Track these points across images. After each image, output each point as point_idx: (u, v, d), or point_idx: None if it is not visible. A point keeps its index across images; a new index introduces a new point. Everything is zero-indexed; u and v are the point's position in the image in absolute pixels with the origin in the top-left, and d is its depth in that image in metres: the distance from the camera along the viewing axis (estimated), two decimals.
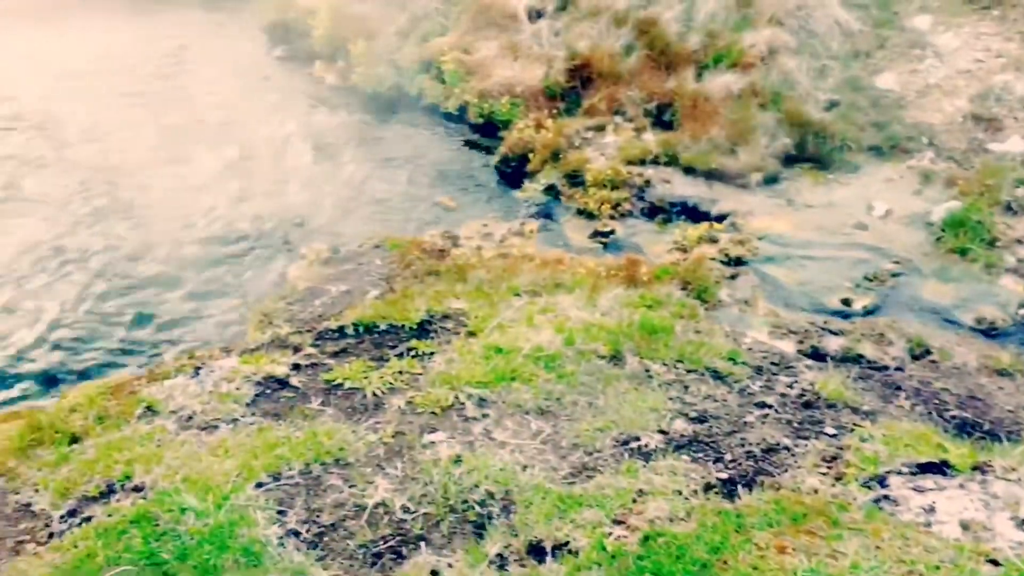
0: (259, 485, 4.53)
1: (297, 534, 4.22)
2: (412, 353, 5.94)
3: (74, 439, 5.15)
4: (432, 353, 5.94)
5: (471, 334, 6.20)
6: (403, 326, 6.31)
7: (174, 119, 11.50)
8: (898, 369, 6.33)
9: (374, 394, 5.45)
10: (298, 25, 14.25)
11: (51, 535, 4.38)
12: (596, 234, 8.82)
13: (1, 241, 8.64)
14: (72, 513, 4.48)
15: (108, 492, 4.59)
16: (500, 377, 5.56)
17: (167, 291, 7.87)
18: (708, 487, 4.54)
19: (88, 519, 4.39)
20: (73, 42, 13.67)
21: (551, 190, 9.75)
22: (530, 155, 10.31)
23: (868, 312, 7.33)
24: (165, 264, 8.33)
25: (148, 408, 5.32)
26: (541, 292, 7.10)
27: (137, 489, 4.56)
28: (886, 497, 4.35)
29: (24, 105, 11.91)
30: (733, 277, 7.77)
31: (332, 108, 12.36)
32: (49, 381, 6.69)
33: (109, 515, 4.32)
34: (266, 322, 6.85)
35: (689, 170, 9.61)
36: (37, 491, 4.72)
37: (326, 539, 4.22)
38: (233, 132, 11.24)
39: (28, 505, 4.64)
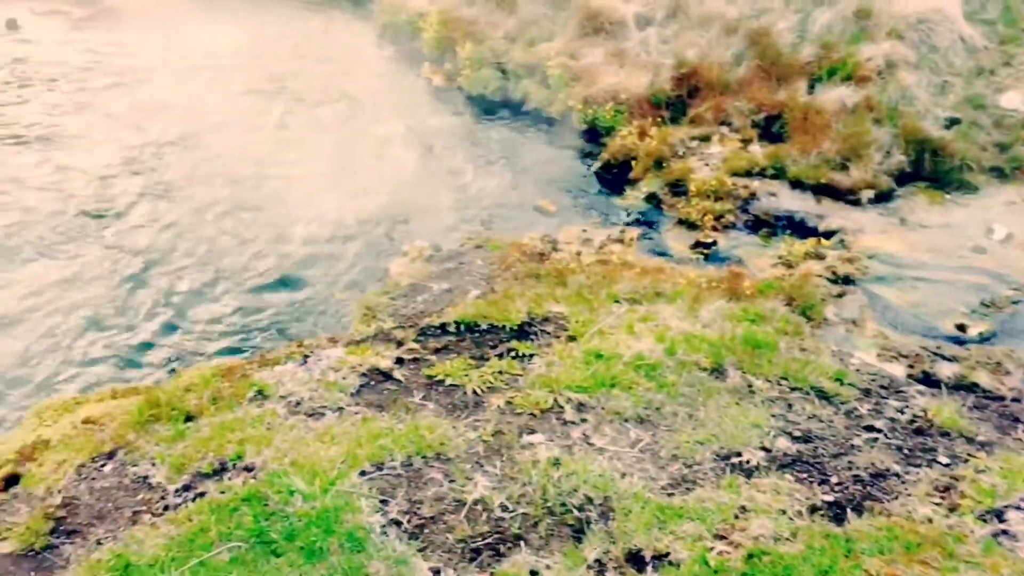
0: (363, 473, 4.63)
1: (398, 524, 4.30)
2: (512, 354, 5.99)
3: (189, 417, 5.37)
4: (532, 355, 5.97)
5: (571, 338, 6.21)
6: (504, 327, 6.36)
7: (290, 115, 11.88)
8: (1015, 400, 6.04)
9: (474, 392, 5.51)
10: (408, 28, 14.55)
11: (166, 507, 4.58)
12: (698, 245, 8.71)
13: (130, 224, 9.09)
14: (186, 488, 4.67)
15: (220, 470, 4.77)
16: (600, 383, 5.55)
17: (278, 282, 8.14)
18: (813, 509, 4.43)
19: (201, 494, 4.57)
20: (204, 37, 14.24)
21: (652, 198, 9.69)
22: (632, 162, 10.26)
23: (984, 339, 7.03)
24: (276, 256, 8.62)
25: (259, 392, 5.51)
26: (641, 300, 7.05)
27: (248, 469, 4.73)
28: (1004, 532, 4.16)
29: (161, 93, 12.45)
30: (840, 296, 7.56)
31: (438, 109, 12.57)
32: (167, 362, 7.00)
33: (221, 492, 4.49)
34: (370, 316, 7.01)
35: (797, 184, 9.41)
36: (154, 465, 4.94)
37: (426, 531, 4.28)
38: (344, 128, 11.55)
39: (145, 477, 4.86)
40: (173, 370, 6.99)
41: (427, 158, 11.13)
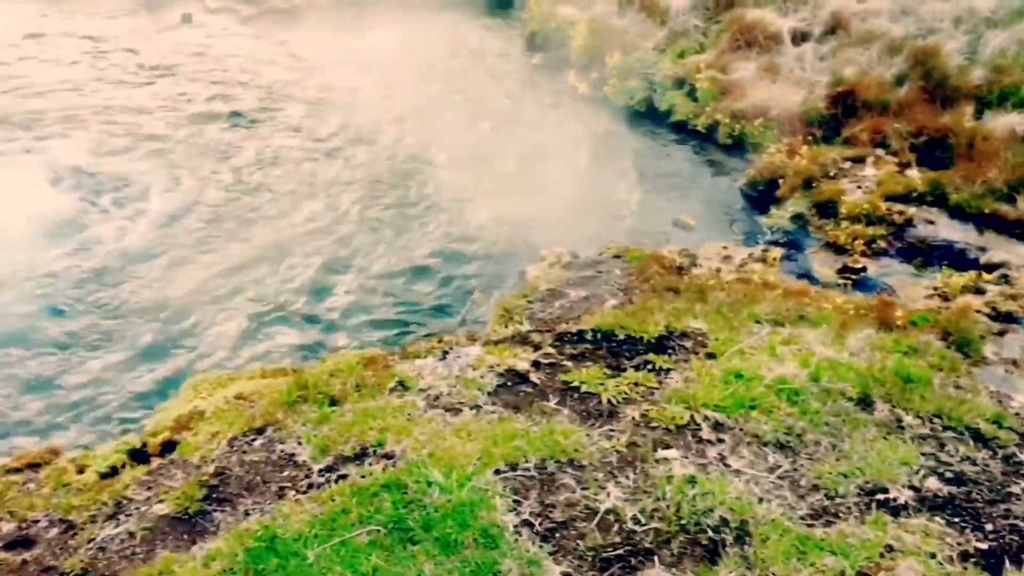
0: (497, 472, 4.69)
1: (531, 525, 4.34)
2: (649, 366, 5.93)
3: (333, 401, 5.59)
4: (669, 369, 5.90)
5: (710, 356, 6.10)
6: (641, 338, 6.31)
7: (443, 117, 12.17)
8: None
9: (609, 401, 5.49)
10: (557, 35, 14.67)
11: (310, 486, 4.78)
12: (845, 270, 8.38)
13: (287, 221, 9.55)
14: (330, 469, 4.86)
15: (362, 455, 4.94)
16: (739, 403, 5.43)
17: (420, 276, 8.37)
18: (966, 556, 4.18)
19: (343, 476, 4.75)
20: (361, 39, 14.83)
21: (799, 219, 9.40)
22: (780, 181, 9.99)
23: None
24: (422, 250, 8.86)
25: (400, 383, 5.67)
26: (784, 323, 6.85)
27: (387, 456, 4.88)
28: None
29: (332, 87, 13.03)
30: (1001, 334, 7.11)
31: (582, 117, 12.61)
32: (315, 346, 7.33)
33: (362, 476, 4.65)
34: (507, 317, 7.10)
35: (957, 213, 8.92)
36: (300, 444, 5.17)
37: (558, 535, 4.30)
38: (488, 132, 11.75)
39: (292, 455, 5.09)
40: (316, 352, 7.32)
41: (568, 165, 11.18)
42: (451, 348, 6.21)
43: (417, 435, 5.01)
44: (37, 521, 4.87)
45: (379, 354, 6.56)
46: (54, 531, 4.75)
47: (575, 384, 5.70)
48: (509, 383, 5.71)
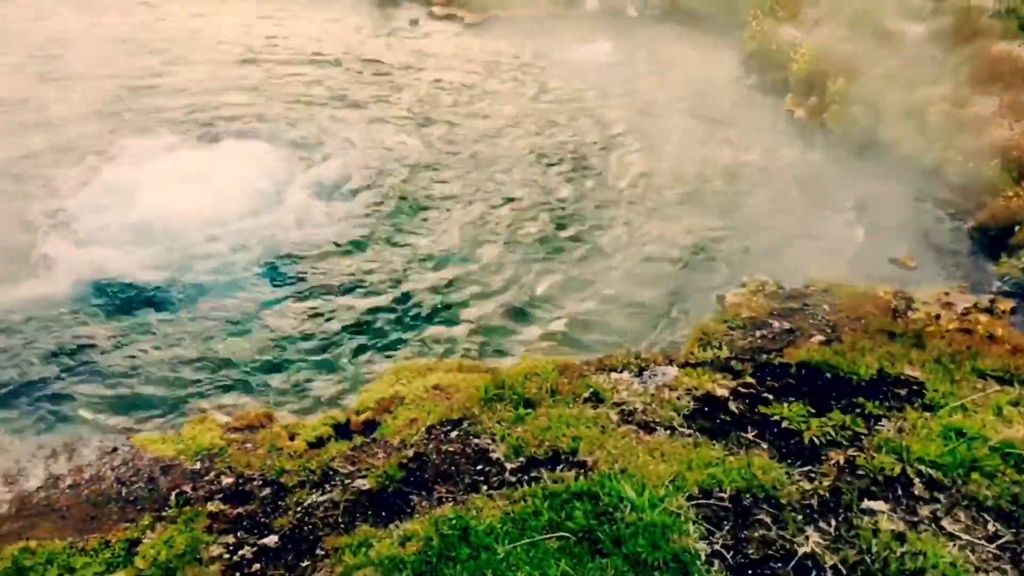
0: (690, 498, 4.59)
1: (723, 557, 4.21)
2: (858, 410, 5.61)
3: (528, 403, 5.68)
4: (880, 416, 5.55)
5: (927, 407, 5.68)
6: (850, 380, 5.98)
7: (653, 133, 12.11)
8: None
9: (812, 441, 5.24)
10: (776, 57, 14.23)
11: (502, 483, 4.87)
12: None
13: (523, 231, 9.85)
14: (522, 469, 4.94)
15: (554, 459, 4.98)
16: (958, 462, 5.01)
17: (615, 292, 8.36)
18: None
19: (535, 479, 4.81)
20: (578, 52, 15.00)
21: None
22: (1016, 228, 9.17)
23: None
24: (619, 271, 8.84)
25: (594, 394, 5.68)
26: (1013, 381, 6.27)
27: (579, 465, 4.89)
28: None
29: (552, 100, 13.39)
30: None
31: (796, 143, 12.16)
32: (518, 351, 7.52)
33: (555, 481, 4.69)
34: (705, 341, 6.94)
35: None
36: (494, 440, 5.29)
37: (750, 572, 4.15)
38: (696, 151, 11.56)
39: (485, 451, 5.22)
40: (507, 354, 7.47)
41: (778, 191, 10.81)
42: (647, 365, 6.15)
43: (610, 448, 4.99)
44: (252, 479, 5.26)
45: (573, 362, 6.60)
46: (267, 491, 5.11)
47: (776, 418, 5.48)
48: (706, 408, 5.57)
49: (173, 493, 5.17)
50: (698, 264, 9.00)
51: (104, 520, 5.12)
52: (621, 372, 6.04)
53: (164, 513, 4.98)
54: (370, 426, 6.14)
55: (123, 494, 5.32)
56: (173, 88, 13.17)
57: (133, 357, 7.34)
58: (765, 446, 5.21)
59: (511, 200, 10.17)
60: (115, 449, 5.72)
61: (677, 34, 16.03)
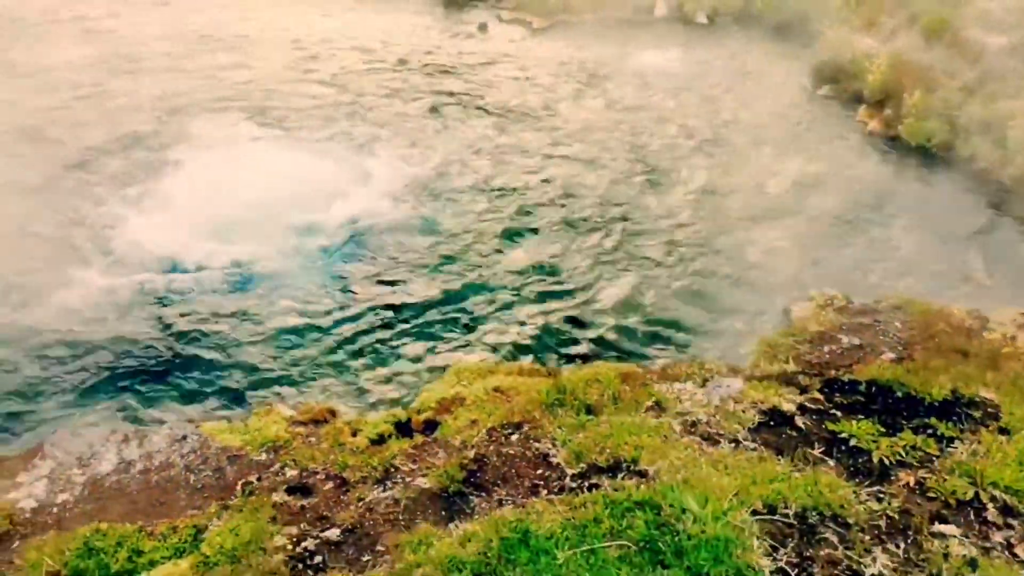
0: (754, 512, 4.51)
1: (787, 575, 4.13)
2: (930, 431, 5.45)
3: (589, 409, 5.66)
4: (953, 438, 5.38)
5: (1003, 431, 5.49)
6: (922, 399, 5.82)
7: (722, 141, 11.95)
8: None
9: (881, 461, 5.11)
10: (850, 68, 13.94)
11: (562, 488, 4.86)
12: None
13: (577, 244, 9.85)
14: (583, 475, 4.92)
15: (615, 468, 4.95)
16: None
17: (682, 301, 8.29)
18: None
19: (596, 486, 4.78)
20: (652, 60, 14.88)
21: None
22: None
23: None
24: (683, 281, 8.76)
25: (657, 403, 5.64)
26: None
27: (640, 474, 4.85)
28: None
29: (621, 109, 13.35)
30: None
31: (868, 155, 11.90)
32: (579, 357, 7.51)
33: (616, 489, 4.66)
34: (771, 354, 6.83)
35: None
36: (554, 445, 5.28)
37: None
38: (762, 160, 11.39)
39: (546, 455, 5.21)
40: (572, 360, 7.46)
41: (847, 203, 10.58)
42: (711, 376, 6.07)
43: (673, 458, 4.94)
44: (316, 473, 5.34)
45: (636, 370, 6.56)
46: (330, 484, 5.19)
47: (844, 436, 5.36)
48: (772, 423, 5.48)
49: (239, 483, 5.28)
50: (764, 276, 8.86)
51: (172, 506, 5.25)
52: (684, 382, 5.98)
53: (230, 502, 5.08)
54: (431, 425, 6.18)
55: (191, 481, 5.45)
56: (252, 82, 13.49)
57: (205, 346, 7.52)
58: (832, 464, 5.10)
59: (580, 205, 10.12)
60: (184, 437, 5.86)
61: (748, 42, 15.79)
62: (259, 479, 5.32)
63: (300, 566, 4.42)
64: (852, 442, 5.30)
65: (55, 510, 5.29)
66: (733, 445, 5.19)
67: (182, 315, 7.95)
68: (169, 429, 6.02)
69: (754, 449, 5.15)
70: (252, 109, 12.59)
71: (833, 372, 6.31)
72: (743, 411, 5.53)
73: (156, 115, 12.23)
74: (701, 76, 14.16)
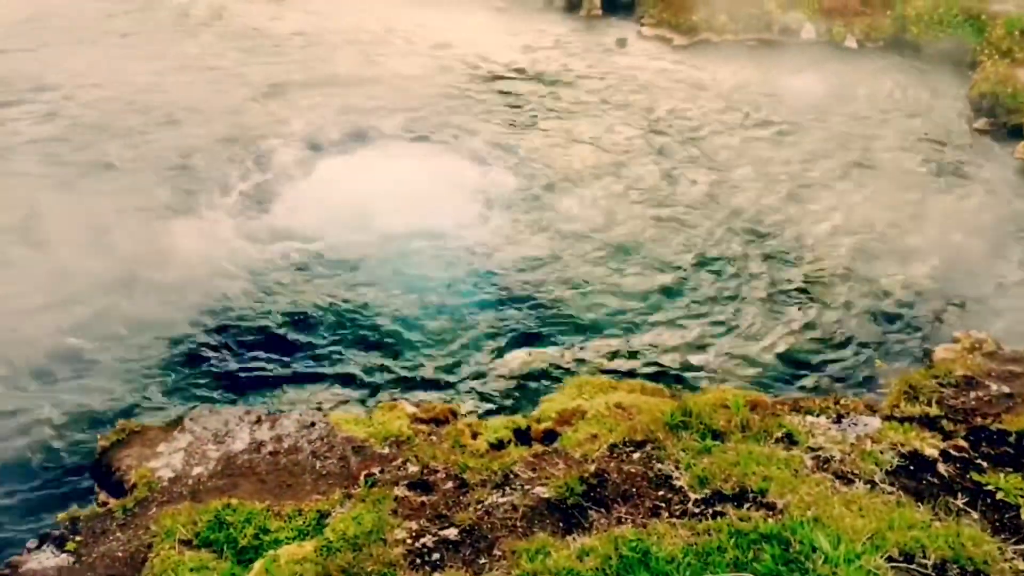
0: (889, 559, 4.27)
1: None
2: None
3: (716, 434, 5.50)
4: None
5: None
6: None
7: (871, 172, 11.45)
8: None
9: None
10: (1010, 101, 13.16)
11: (684, 513, 4.74)
12: None
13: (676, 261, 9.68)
14: (707, 501, 4.79)
15: (741, 496, 4.79)
16: None
17: (814, 336, 8.00)
18: None
19: (720, 514, 4.64)
20: (789, 84, 14.37)
21: None
22: None
23: None
24: (830, 316, 8.43)
25: (788, 435, 5.43)
26: None
27: (768, 507, 4.68)
28: None
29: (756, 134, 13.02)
30: None
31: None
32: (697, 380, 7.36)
33: (742, 519, 4.51)
34: (911, 395, 6.48)
35: None
36: (678, 468, 5.16)
37: None
38: (907, 192, 10.84)
39: (668, 477, 5.10)
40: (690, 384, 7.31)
41: (1000, 243, 9.98)
42: (847, 413, 5.81)
43: (803, 494, 4.74)
44: (436, 471, 5.40)
45: (764, 398, 6.36)
46: (449, 484, 5.23)
47: (990, 488, 5.02)
48: (911, 467, 5.19)
49: (363, 473, 5.40)
50: (906, 315, 8.45)
51: (298, 489, 5.42)
52: (818, 416, 5.73)
53: (353, 491, 5.20)
54: (549, 436, 6.17)
55: (317, 467, 5.61)
56: (382, 91, 13.82)
57: (335, 338, 7.76)
58: (976, 516, 4.78)
59: (716, 229, 9.87)
60: (313, 424, 6.05)
61: (899, 68, 15.08)
62: (381, 471, 5.42)
63: (418, 561, 4.47)
64: (998, 495, 4.96)
65: (190, 482, 5.55)
66: (869, 486, 4.93)
67: (312, 305, 8.23)
68: (299, 414, 6.23)
69: (891, 493, 4.88)
70: (384, 117, 12.78)
71: (980, 420, 5.93)
72: (880, 452, 5.26)
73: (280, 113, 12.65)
74: (850, 102, 13.61)
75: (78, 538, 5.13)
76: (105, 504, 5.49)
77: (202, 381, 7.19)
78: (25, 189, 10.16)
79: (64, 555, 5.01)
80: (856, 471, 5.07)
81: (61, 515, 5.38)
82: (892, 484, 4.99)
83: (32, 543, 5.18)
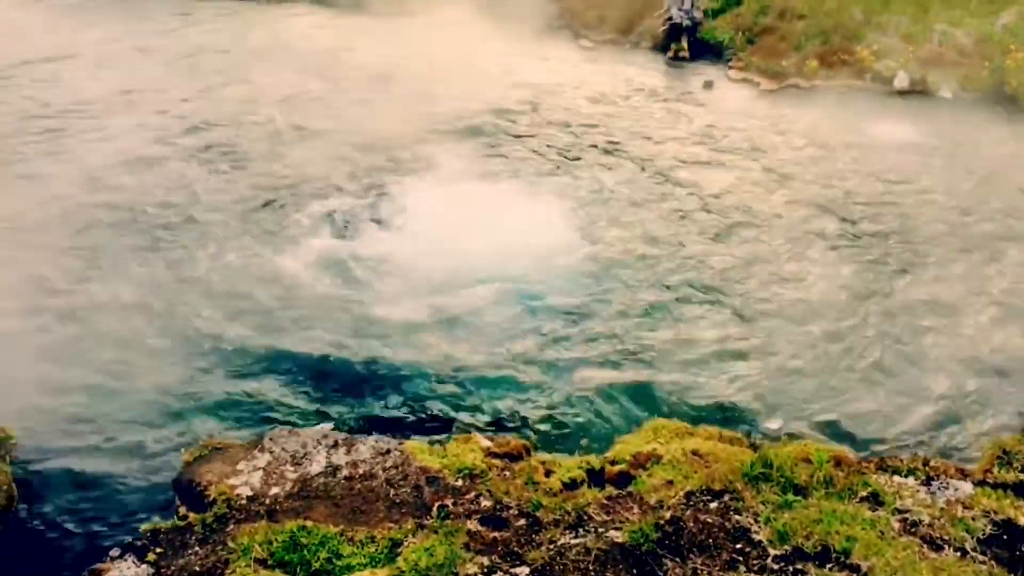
0: None
1: None
2: None
3: (796, 489, 5.35)
4: None
5: None
6: None
7: (948, 232, 11.04)
8: None
9: None
10: None
11: (763, 568, 4.61)
12: None
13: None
14: (786, 558, 4.65)
15: (823, 556, 4.64)
16: None
17: (904, 392, 7.74)
18: None
19: (801, 572, 4.51)
20: (882, 137, 14.03)
21: None
22: None
23: None
24: (915, 372, 8.15)
25: (873, 494, 5.25)
26: None
27: (852, 568, 4.53)
28: None
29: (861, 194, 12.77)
30: None
31: None
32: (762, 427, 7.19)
33: None
34: (1005, 460, 6.20)
35: None
36: (756, 521, 5.03)
37: None
38: (1005, 267, 10.38)
39: (746, 530, 4.97)
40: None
41: None
42: (937, 475, 5.59)
43: (889, 557, 4.57)
44: (509, 507, 5.39)
45: (848, 454, 6.17)
46: (522, 521, 5.21)
47: None
48: (1005, 536, 4.95)
49: (436, 504, 5.41)
50: (1001, 379, 8.09)
51: (371, 516, 5.46)
52: (905, 477, 5.53)
53: (426, 521, 5.21)
54: (623, 478, 6.09)
55: (390, 495, 5.65)
56: (467, 124, 13.94)
57: (409, 367, 7.83)
58: None
59: (817, 289, 9.58)
60: (388, 452, 6.10)
61: (998, 122, 14.54)
62: (455, 504, 5.43)
63: None
64: None
65: (267, 501, 5.64)
66: (959, 554, 4.73)
67: (390, 331, 8.33)
68: (375, 441, 6.30)
69: (983, 562, 4.67)
70: (471, 151, 12.90)
71: None
72: (972, 518, 5.04)
73: (368, 142, 12.84)
74: (943, 159, 13.13)
75: (158, 550, 5.27)
76: (185, 518, 5.62)
77: (284, 401, 7.33)
78: None
79: (144, 566, 5.15)
80: (946, 537, 4.87)
81: (144, 526, 5.54)
82: (984, 553, 4.77)
83: (115, 552, 5.34)
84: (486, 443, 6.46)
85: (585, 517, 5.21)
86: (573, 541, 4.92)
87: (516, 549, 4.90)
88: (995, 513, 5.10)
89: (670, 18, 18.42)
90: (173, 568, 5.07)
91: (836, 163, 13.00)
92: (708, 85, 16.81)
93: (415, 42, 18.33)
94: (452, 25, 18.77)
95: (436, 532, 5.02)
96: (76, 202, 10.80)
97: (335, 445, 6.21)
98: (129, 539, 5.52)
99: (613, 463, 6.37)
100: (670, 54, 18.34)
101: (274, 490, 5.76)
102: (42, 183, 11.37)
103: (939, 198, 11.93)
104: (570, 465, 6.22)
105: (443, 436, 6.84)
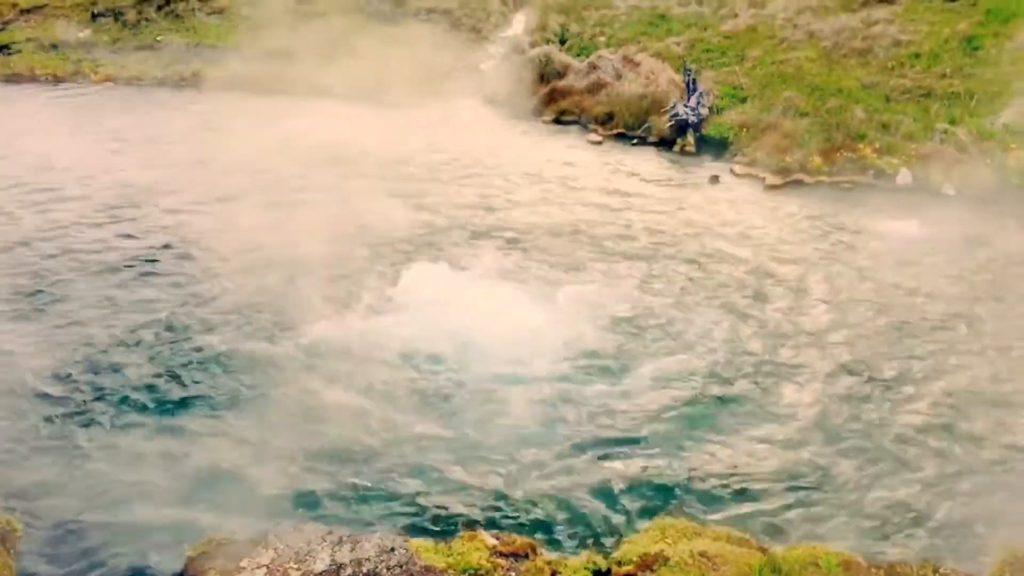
0: None
1: None
2: None
3: None
4: None
5: None
6: None
7: (957, 339, 11.06)
8: None
9: None
10: None
11: None
12: None
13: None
14: None
15: None
16: None
17: (916, 492, 7.68)
18: None
19: None
20: (888, 235, 14.11)
21: None
22: None
23: None
24: (924, 475, 8.09)
25: None
26: None
27: None
28: None
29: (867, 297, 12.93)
30: None
31: None
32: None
33: None
34: (1016, 567, 6.12)
35: None
36: None
37: None
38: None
39: None
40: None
41: None
42: None
43: None
44: None
45: (856, 560, 6.10)
46: None
47: None
48: None
49: None
50: (1009, 480, 8.03)
51: None
52: None
53: None
54: None
55: None
56: (497, 222, 14.22)
57: (418, 465, 7.82)
58: None
59: (828, 400, 9.58)
60: (393, 549, 6.07)
61: (1002, 220, 14.67)
62: None
63: None
64: None
65: None
66: None
67: (401, 427, 8.35)
68: (379, 538, 6.27)
69: None
70: (489, 247, 13.09)
71: None
72: None
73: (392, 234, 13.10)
74: (950, 260, 13.21)
75: None
76: None
77: (289, 495, 7.31)
78: None
79: None
80: None
81: None
82: None
83: None
84: (492, 541, 6.43)
85: None
86: None
87: None
88: None
89: (676, 114, 18.88)
90: None
91: (831, 265, 13.13)
92: (714, 180, 17.13)
93: (430, 135, 18.83)
94: (462, 115, 19.51)
95: None
96: None
97: (339, 542, 6.19)
98: None
99: (620, 564, 6.33)
100: (676, 149, 18.75)
101: None
102: None
103: (925, 297, 12.02)
104: (577, 566, 6.18)
105: (448, 530, 6.79)
